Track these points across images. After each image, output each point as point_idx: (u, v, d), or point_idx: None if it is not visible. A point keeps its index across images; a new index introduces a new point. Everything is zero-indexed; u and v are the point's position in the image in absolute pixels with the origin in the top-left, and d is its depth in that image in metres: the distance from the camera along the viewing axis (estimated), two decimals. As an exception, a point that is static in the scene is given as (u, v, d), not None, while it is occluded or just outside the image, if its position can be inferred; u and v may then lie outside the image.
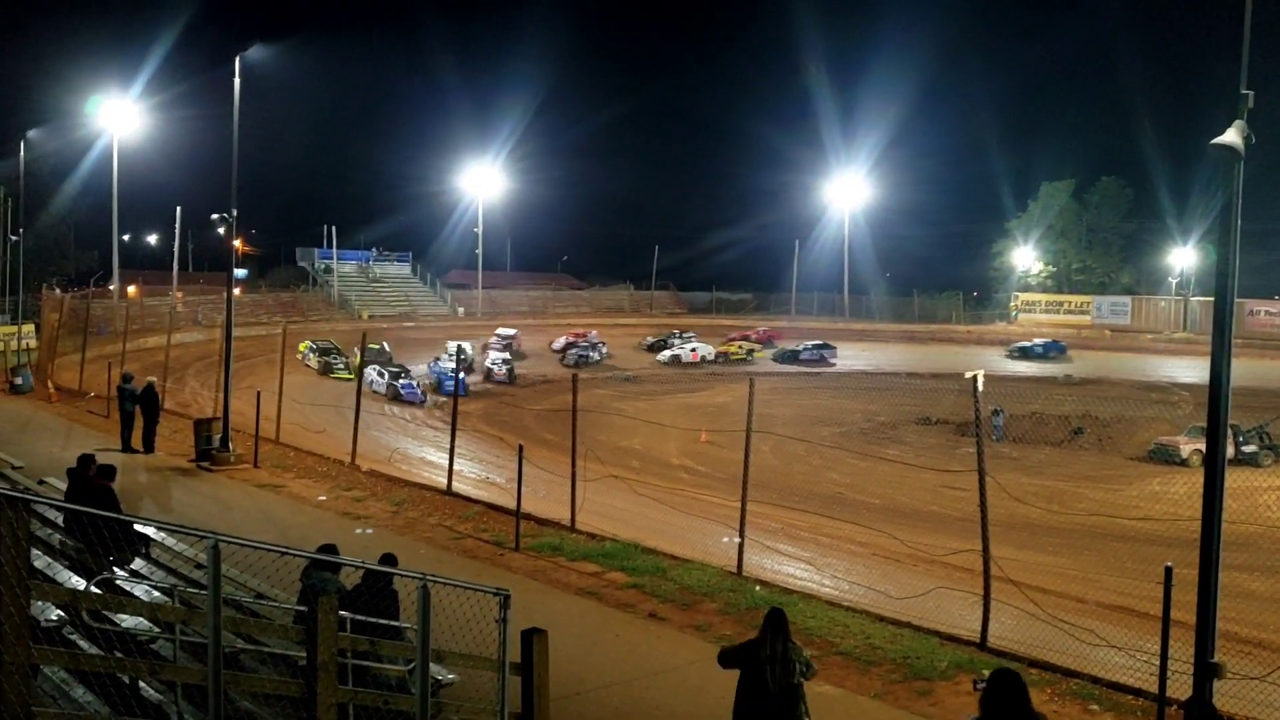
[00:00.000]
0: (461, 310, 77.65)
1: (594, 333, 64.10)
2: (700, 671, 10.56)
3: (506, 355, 53.24)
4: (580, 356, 56.51)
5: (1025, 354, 61.09)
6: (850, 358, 61.82)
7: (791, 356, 59.52)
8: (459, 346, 50.10)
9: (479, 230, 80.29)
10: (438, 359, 49.18)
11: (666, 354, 59.06)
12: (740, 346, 61.98)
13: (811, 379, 53.26)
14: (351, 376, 42.95)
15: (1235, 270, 9.22)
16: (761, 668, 7.18)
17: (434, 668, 7.22)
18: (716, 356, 59.61)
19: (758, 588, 13.58)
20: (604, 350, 58.80)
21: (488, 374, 49.27)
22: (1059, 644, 10.96)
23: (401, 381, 42.96)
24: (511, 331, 61.08)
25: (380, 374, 43.60)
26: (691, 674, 10.61)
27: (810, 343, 61.80)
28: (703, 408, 41.59)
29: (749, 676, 7.25)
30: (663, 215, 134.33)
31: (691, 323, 77.17)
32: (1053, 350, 61.67)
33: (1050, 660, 10.71)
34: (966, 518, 12.61)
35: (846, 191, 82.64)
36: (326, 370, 46.22)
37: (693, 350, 59.63)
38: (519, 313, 79.01)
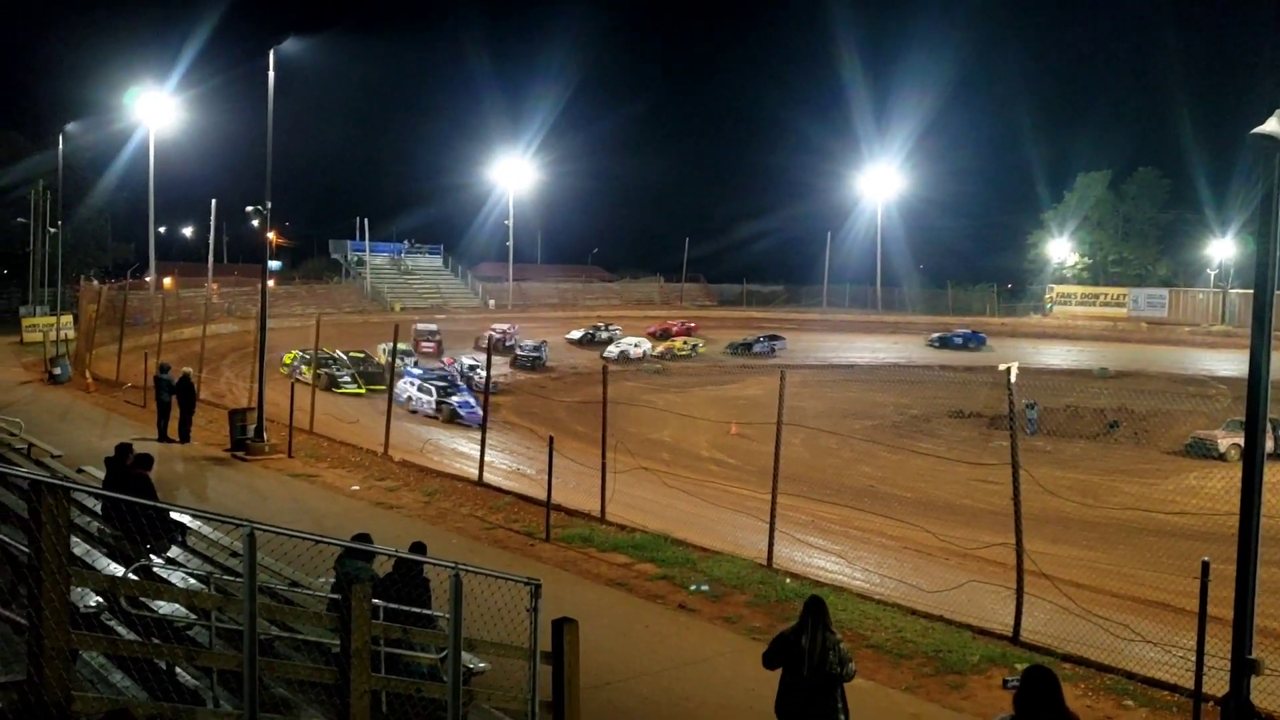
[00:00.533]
0: (492, 303, 77.97)
1: (515, 326, 60.10)
2: (730, 663, 10.58)
3: (471, 360, 46.01)
4: (534, 358, 51.80)
5: (945, 343, 63.41)
6: (882, 350, 61.71)
7: (744, 348, 59.88)
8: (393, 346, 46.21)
9: (509, 223, 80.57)
10: None
11: (615, 350, 56.18)
12: (685, 342, 60.85)
13: (843, 372, 53.05)
14: (363, 390, 38.60)
15: (1275, 262, 9.07)
16: (799, 655, 7.16)
17: (465, 656, 7.27)
18: (663, 353, 57.92)
19: (788, 580, 13.56)
20: (547, 350, 53.53)
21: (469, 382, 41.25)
22: (1093, 639, 10.86)
23: (457, 399, 35.21)
24: (433, 327, 55.48)
25: (424, 389, 36.27)
26: (721, 665, 10.62)
27: (761, 334, 62.60)
28: (733, 400, 41.52)
29: (788, 665, 7.25)
30: (694, 207, 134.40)
31: (720, 315, 77.14)
32: (972, 341, 63.82)
33: (1084, 655, 10.62)
34: (999, 511, 12.53)
35: (880, 182, 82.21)
36: (332, 385, 37.83)
37: (635, 345, 57.92)
38: (549, 304, 79.25)
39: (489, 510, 17.59)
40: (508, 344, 55.24)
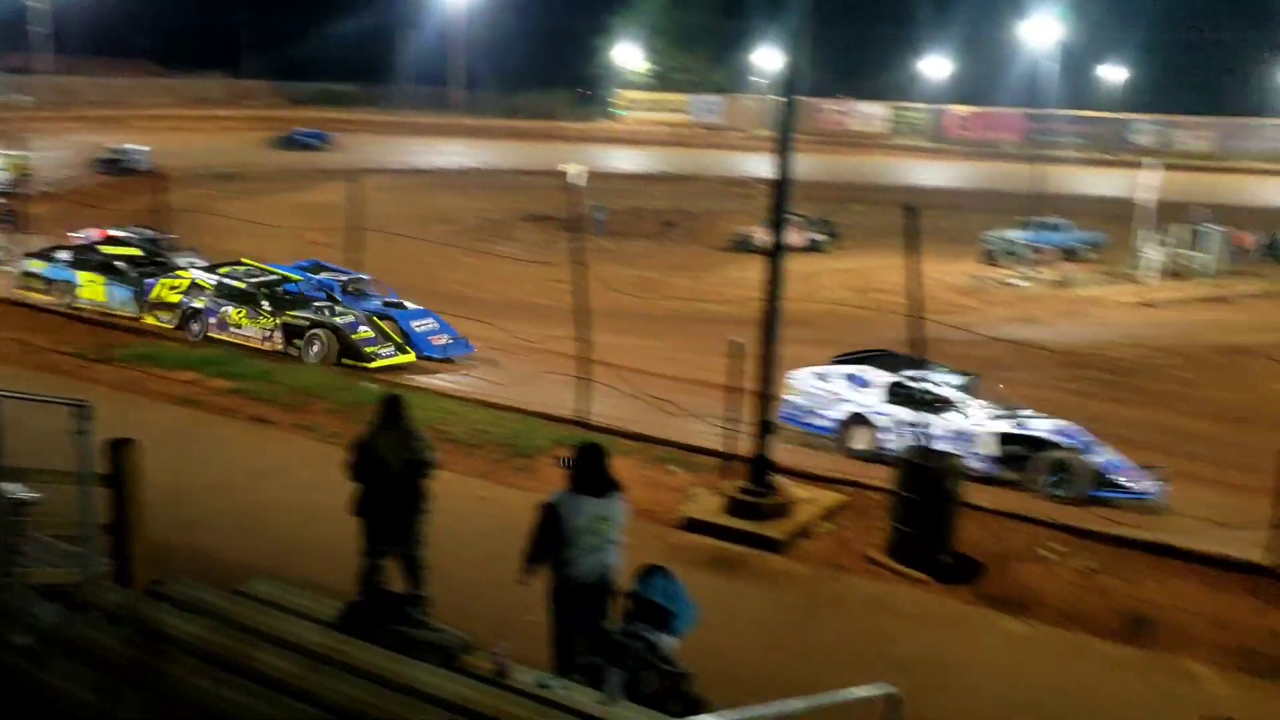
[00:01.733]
0: (30, 99, 67.63)
1: None
2: (310, 469, 10.64)
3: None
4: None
5: (296, 144, 59.87)
6: (460, 154, 61.39)
7: (108, 165, 48.90)
8: None
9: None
10: None
11: None
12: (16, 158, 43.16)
13: (426, 176, 52.32)
14: (412, 356, 17.33)
15: (801, 70, 10.16)
16: (380, 449, 7.26)
17: (13, 487, 6.80)
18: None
19: (371, 385, 13.71)
20: None
21: None
22: (648, 418, 12.15)
23: (1050, 430, 13.24)
24: None
25: (882, 390, 14.07)
26: (301, 471, 10.68)
27: (115, 146, 51.29)
28: (311, 207, 39.63)
29: (371, 464, 7.26)
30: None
31: (292, 115, 72.62)
32: (320, 140, 61.21)
33: (640, 432, 11.86)
34: (570, 308, 13.34)
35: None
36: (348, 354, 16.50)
37: None
38: (94, 102, 70.32)
39: (30, 332, 15.93)
40: None
